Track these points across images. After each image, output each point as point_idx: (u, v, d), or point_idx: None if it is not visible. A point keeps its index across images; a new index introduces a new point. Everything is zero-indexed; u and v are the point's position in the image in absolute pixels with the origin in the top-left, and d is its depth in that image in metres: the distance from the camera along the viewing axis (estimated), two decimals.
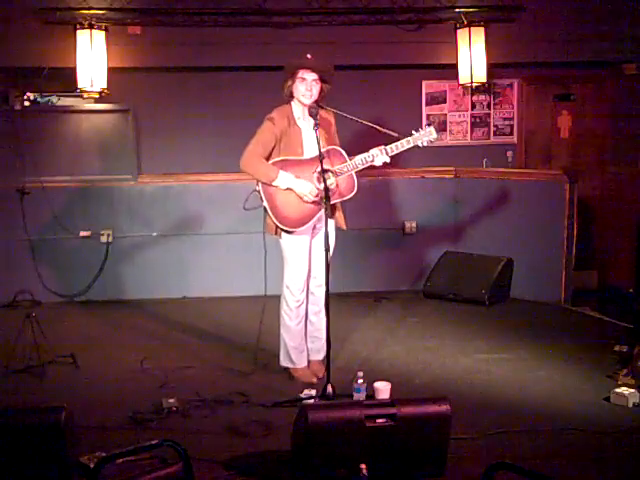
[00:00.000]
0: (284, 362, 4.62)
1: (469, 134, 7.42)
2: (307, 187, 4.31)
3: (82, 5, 6.37)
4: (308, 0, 6.59)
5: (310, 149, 4.35)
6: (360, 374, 4.15)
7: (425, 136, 4.38)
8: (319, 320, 4.56)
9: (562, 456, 3.53)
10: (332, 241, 4.51)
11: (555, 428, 3.82)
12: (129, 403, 4.15)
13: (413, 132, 4.39)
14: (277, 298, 4.57)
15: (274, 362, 4.67)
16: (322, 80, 4.36)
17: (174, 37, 6.62)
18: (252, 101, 6.47)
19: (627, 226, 7.05)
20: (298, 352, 4.59)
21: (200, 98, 6.98)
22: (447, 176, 7.09)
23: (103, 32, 6.41)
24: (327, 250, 4.11)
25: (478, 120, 7.42)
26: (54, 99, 7.25)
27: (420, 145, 4.39)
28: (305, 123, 4.42)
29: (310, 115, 4.27)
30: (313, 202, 4.33)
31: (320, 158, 4.18)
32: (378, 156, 4.38)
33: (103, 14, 6.41)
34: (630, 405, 4.10)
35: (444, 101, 7.35)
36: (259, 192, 4.36)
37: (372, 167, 4.45)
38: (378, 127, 4.46)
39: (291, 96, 4.42)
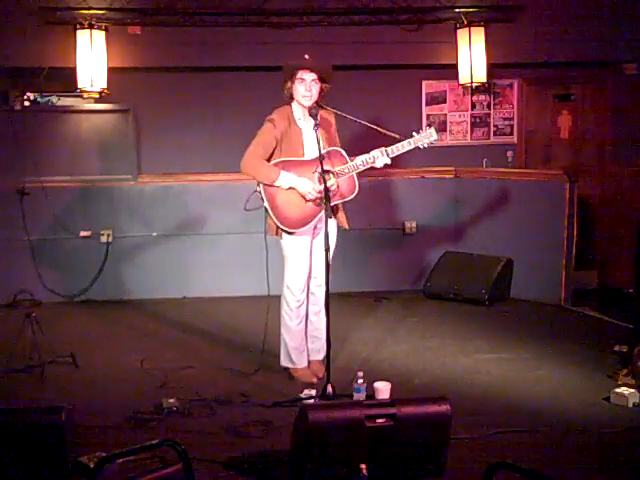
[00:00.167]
0: (284, 362, 4.62)
1: (469, 134, 7.42)
2: (309, 185, 4.31)
3: (82, 5, 6.37)
4: (308, 0, 6.59)
5: (311, 150, 4.35)
6: (360, 374, 4.15)
7: (426, 137, 4.39)
8: (319, 320, 4.56)
9: (562, 456, 3.53)
10: (333, 241, 4.52)
11: (555, 428, 3.82)
12: (129, 403, 4.15)
13: (414, 133, 4.40)
14: (277, 298, 4.57)
15: (274, 362, 4.67)
16: (321, 80, 4.36)
17: (174, 37, 6.62)
18: (252, 101, 6.48)
19: (627, 226, 7.04)
20: (298, 352, 4.59)
21: (200, 98, 6.99)
22: (447, 176, 7.09)
23: (103, 32, 6.41)
24: (327, 250, 4.11)
25: (478, 120, 7.42)
26: (54, 99, 7.26)
27: (421, 147, 4.40)
28: (305, 124, 4.42)
29: (310, 115, 4.27)
30: (314, 202, 4.33)
31: (320, 158, 4.18)
32: (379, 157, 4.38)
33: (103, 14, 6.42)
34: (630, 405, 4.10)
35: (444, 101, 7.35)
36: (260, 192, 4.36)
37: (372, 168, 4.45)
38: (379, 128, 4.46)
39: (291, 98, 4.42)
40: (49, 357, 4.78)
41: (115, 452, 2.54)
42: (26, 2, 6.38)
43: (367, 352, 5.16)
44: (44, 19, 6.40)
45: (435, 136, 4.41)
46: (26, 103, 6.91)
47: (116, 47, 6.54)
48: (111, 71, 6.50)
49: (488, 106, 7.43)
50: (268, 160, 4.38)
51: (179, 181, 6.89)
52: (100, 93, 6.52)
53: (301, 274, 4.48)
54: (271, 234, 4.46)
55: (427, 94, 7.34)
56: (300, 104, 4.39)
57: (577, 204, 6.47)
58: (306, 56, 4.35)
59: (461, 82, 6.94)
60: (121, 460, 3.05)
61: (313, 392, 4.24)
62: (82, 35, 6.35)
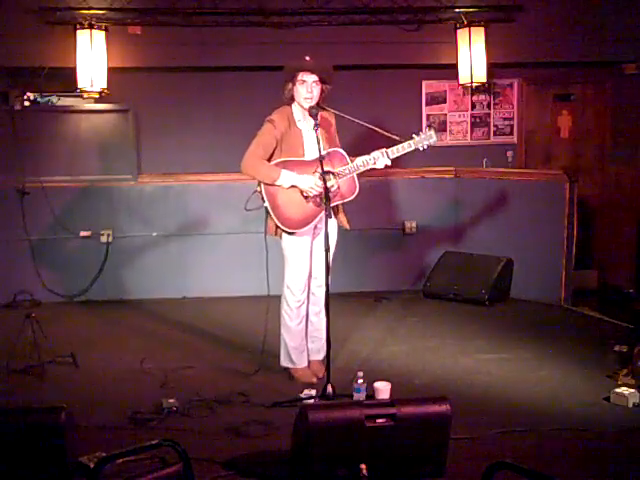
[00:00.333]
0: (284, 362, 4.62)
1: (469, 134, 7.42)
2: (311, 181, 4.30)
3: (82, 5, 6.37)
4: (308, 0, 6.60)
5: (311, 150, 4.35)
6: (360, 374, 4.15)
7: (426, 139, 4.40)
8: (319, 320, 4.56)
9: (562, 456, 3.53)
10: (334, 241, 4.52)
11: (555, 428, 3.82)
12: (129, 403, 4.15)
13: (414, 135, 4.40)
14: (277, 298, 4.57)
15: (274, 362, 4.67)
16: (322, 81, 4.36)
17: (174, 37, 6.62)
18: (252, 101, 6.48)
19: (627, 226, 7.05)
20: (298, 352, 4.59)
21: (200, 98, 6.99)
22: (447, 176, 7.09)
23: (103, 32, 6.41)
24: (327, 250, 4.11)
25: (478, 120, 7.42)
26: (54, 99, 7.24)
27: (421, 149, 4.42)
28: (306, 124, 4.42)
29: (310, 115, 4.27)
30: (315, 202, 4.33)
31: (320, 159, 4.18)
32: (379, 159, 4.38)
33: (103, 14, 6.42)
34: (630, 405, 4.10)
35: (444, 101, 7.35)
36: (261, 193, 4.36)
37: (372, 168, 4.45)
38: (379, 129, 4.46)
39: (291, 99, 4.42)
40: (49, 357, 4.78)
41: (115, 452, 2.54)
42: (26, 2, 6.38)
43: (367, 352, 5.16)
44: (44, 19, 6.40)
45: (435, 138, 4.41)
46: (26, 103, 6.89)
47: (116, 47, 6.54)
48: (111, 71, 6.50)
49: (488, 106, 7.43)
50: (268, 161, 4.38)
51: (179, 181, 6.89)
52: (100, 93, 6.52)
53: (301, 274, 4.49)
54: (270, 234, 4.46)
55: (427, 94, 7.34)
56: (301, 105, 4.39)
57: (577, 204, 6.47)
58: (307, 58, 4.35)
59: (461, 82, 6.94)
60: (121, 460, 3.05)
61: (313, 392, 4.24)
62: (82, 35, 6.35)
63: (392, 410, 3.19)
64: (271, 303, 4.56)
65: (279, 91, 4.46)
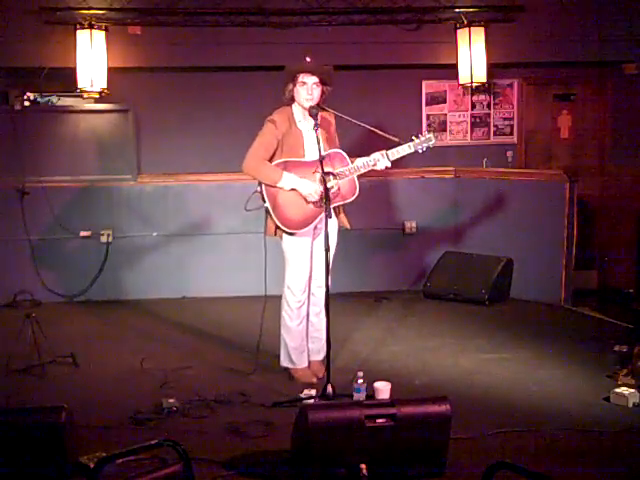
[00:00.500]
0: (284, 362, 4.62)
1: (469, 134, 7.42)
2: (311, 187, 4.31)
3: (82, 5, 6.37)
4: (308, 0, 6.60)
5: (311, 151, 4.35)
6: (360, 374, 4.15)
7: (425, 142, 4.43)
8: (319, 321, 4.56)
9: (562, 456, 3.52)
10: (334, 241, 4.52)
11: (555, 428, 3.82)
12: (129, 403, 4.15)
13: (413, 137, 4.42)
14: (276, 298, 4.57)
15: (274, 362, 4.67)
16: (322, 82, 4.37)
17: (174, 37, 6.62)
18: (252, 101, 6.49)
19: (627, 226, 7.05)
20: (299, 353, 4.59)
21: (200, 98, 6.98)
22: (447, 176, 7.09)
23: (103, 32, 6.41)
24: (327, 250, 4.11)
25: (478, 120, 7.42)
26: (54, 99, 7.25)
27: (420, 151, 4.43)
28: (306, 125, 4.42)
29: (310, 115, 4.27)
30: (315, 203, 4.33)
31: (320, 159, 4.18)
32: (380, 160, 4.40)
33: (103, 14, 6.42)
34: (630, 405, 4.10)
35: (444, 101, 7.35)
36: (262, 193, 4.36)
37: (372, 169, 4.46)
38: (379, 131, 4.47)
39: (292, 100, 4.43)
40: (49, 357, 4.77)
41: (115, 452, 2.54)
42: (26, 2, 6.38)
43: (367, 352, 5.16)
44: (44, 19, 6.40)
45: (434, 140, 4.45)
46: (26, 103, 6.90)
47: (116, 47, 6.54)
48: (111, 71, 6.50)
49: (488, 106, 7.43)
50: (269, 161, 4.38)
51: (179, 181, 6.89)
52: (100, 93, 6.52)
53: (302, 275, 4.49)
54: (270, 235, 4.46)
55: (427, 94, 7.34)
56: (301, 106, 4.39)
57: (577, 204, 6.47)
58: (307, 59, 4.35)
59: (461, 82, 6.94)
60: (121, 460, 3.05)
61: (313, 392, 4.24)
62: (82, 35, 6.35)
63: (392, 410, 3.19)
64: (268, 303, 4.56)
65: (279, 91, 4.46)
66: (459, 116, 7.39)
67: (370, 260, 7.01)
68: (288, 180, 4.31)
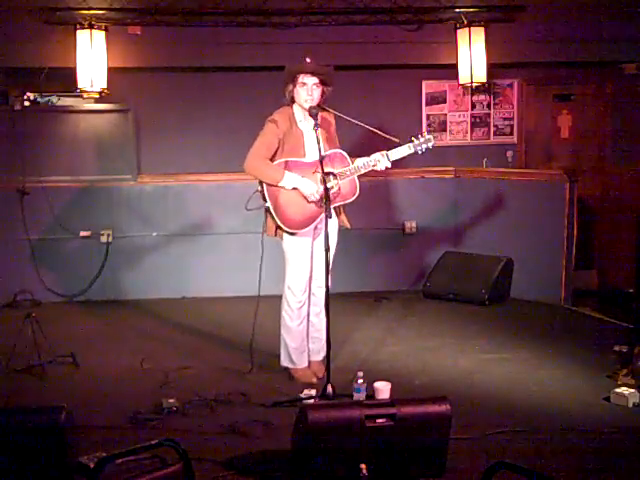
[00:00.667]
0: (284, 362, 4.62)
1: (469, 134, 7.42)
2: (313, 187, 4.31)
3: (82, 5, 6.37)
4: (308, 0, 6.60)
5: (312, 151, 4.35)
6: (360, 374, 4.15)
7: (424, 143, 4.45)
8: (319, 321, 4.55)
9: (562, 456, 3.53)
10: (334, 241, 4.52)
11: (555, 428, 3.82)
12: (129, 403, 4.15)
13: (413, 138, 4.43)
14: (277, 298, 4.57)
15: (274, 362, 4.67)
16: (323, 83, 4.37)
17: (174, 37, 6.62)
18: (252, 101, 6.50)
19: (627, 226, 7.03)
20: (299, 353, 4.59)
21: (200, 98, 6.99)
22: (447, 176, 7.09)
23: (103, 32, 6.41)
24: (327, 250, 4.11)
25: (478, 120, 7.43)
26: (54, 99, 7.25)
27: (419, 152, 4.44)
28: (307, 125, 4.43)
29: (310, 115, 4.27)
30: (316, 203, 4.33)
31: (320, 159, 4.18)
32: (380, 161, 4.41)
33: (103, 14, 6.42)
34: (630, 405, 4.10)
35: (444, 101, 7.35)
36: (262, 192, 4.36)
37: (372, 169, 4.47)
38: (379, 131, 4.47)
39: (292, 100, 4.43)
40: (49, 357, 4.77)
41: (115, 452, 2.54)
42: (26, 2, 6.38)
43: (367, 352, 5.16)
44: (44, 19, 6.39)
45: (433, 142, 4.47)
46: (26, 103, 6.89)
47: (116, 47, 6.54)
48: (111, 71, 6.50)
49: (488, 106, 7.43)
50: (270, 161, 4.38)
51: (179, 181, 6.89)
52: (100, 93, 6.51)
53: (302, 275, 4.49)
54: (270, 235, 4.46)
55: (427, 94, 7.34)
56: (301, 106, 4.39)
57: (577, 204, 6.47)
58: (307, 59, 4.34)
59: (461, 82, 6.93)
60: (121, 460, 3.05)
61: (313, 392, 4.24)
62: (82, 35, 6.35)
63: (392, 410, 3.19)
64: (269, 303, 4.57)
65: (279, 91, 4.46)
66: (459, 116, 7.39)
67: (370, 260, 7.01)
68: (290, 179, 4.31)
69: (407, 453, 3.20)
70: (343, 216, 4.58)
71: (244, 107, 6.70)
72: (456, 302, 6.50)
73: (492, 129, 7.45)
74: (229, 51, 6.70)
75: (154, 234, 6.86)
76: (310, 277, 4.53)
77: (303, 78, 4.33)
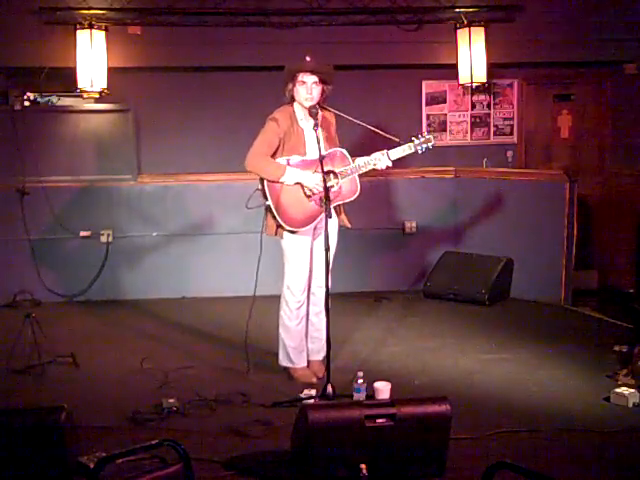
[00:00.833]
0: (283, 362, 4.62)
1: (469, 134, 7.42)
2: (316, 178, 4.29)
3: (82, 5, 6.37)
4: (308, 0, 6.60)
5: (313, 149, 4.35)
6: (360, 374, 4.15)
7: (424, 143, 4.46)
8: (320, 321, 4.55)
9: (562, 456, 3.53)
10: (334, 240, 4.52)
11: (555, 428, 3.82)
12: (129, 403, 4.15)
13: (413, 138, 4.43)
14: (277, 298, 4.57)
15: (274, 362, 4.67)
16: (323, 82, 4.37)
17: (174, 37, 6.62)
18: (252, 101, 6.49)
19: (627, 226, 7.05)
20: (297, 352, 4.59)
21: (200, 98, 6.99)
22: (447, 176, 7.09)
23: (103, 32, 6.41)
24: (327, 250, 4.11)
25: (478, 120, 7.43)
26: (54, 99, 7.25)
27: (419, 152, 4.45)
28: (307, 124, 4.43)
29: (310, 115, 4.27)
30: (316, 202, 4.32)
31: (320, 158, 4.18)
32: (381, 159, 4.41)
33: (103, 14, 6.42)
34: (630, 405, 4.10)
35: (444, 101, 7.35)
36: (263, 190, 4.35)
37: (373, 168, 4.47)
38: (379, 131, 4.47)
39: (292, 99, 4.43)
40: (49, 357, 4.78)
41: (115, 452, 2.54)
42: (26, 2, 6.38)
43: (367, 352, 5.16)
44: (44, 19, 6.39)
45: (433, 141, 4.48)
46: (26, 103, 6.89)
47: (116, 47, 6.54)
48: (111, 71, 6.50)
49: (488, 106, 7.43)
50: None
51: (179, 181, 6.89)
52: (100, 93, 6.52)
53: (302, 275, 4.49)
54: (270, 234, 4.46)
55: (427, 94, 7.34)
56: (301, 105, 4.39)
57: (577, 204, 6.47)
58: (307, 58, 4.35)
59: (461, 82, 6.93)
60: (121, 460, 3.05)
61: (313, 392, 4.24)
62: (82, 35, 6.35)
63: (392, 410, 3.19)
64: (269, 302, 4.57)
65: (279, 91, 4.46)
66: (459, 116, 7.39)
67: (370, 260, 7.01)
68: (291, 174, 4.30)
69: (407, 453, 3.21)
70: (343, 215, 4.58)
71: (244, 107, 6.70)
72: (456, 302, 6.50)
73: (492, 129, 7.45)
74: (229, 51, 6.70)
75: (154, 234, 6.85)
76: (310, 277, 4.53)
77: (303, 76, 4.33)
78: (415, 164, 6.78)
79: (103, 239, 6.74)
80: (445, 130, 7.36)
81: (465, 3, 6.76)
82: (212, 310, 6.39)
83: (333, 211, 4.26)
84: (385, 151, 4.41)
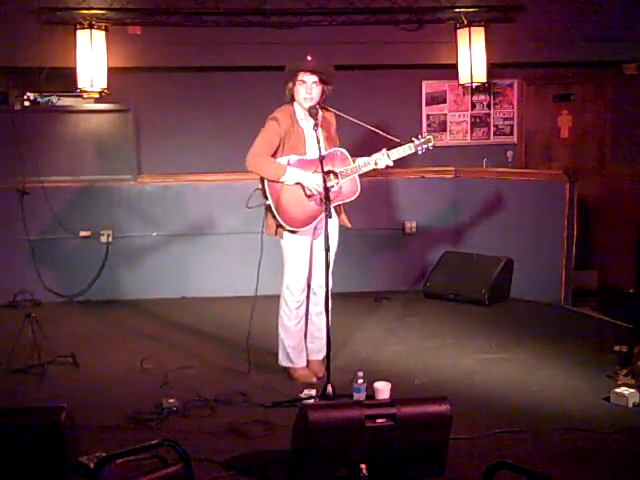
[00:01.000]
0: (283, 362, 4.62)
1: (469, 134, 7.42)
2: (317, 178, 4.29)
3: (82, 5, 6.37)
4: (308, 0, 6.60)
5: (313, 149, 4.35)
6: (360, 374, 4.15)
7: (425, 143, 4.47)
8: (320, 320, 4.55)
9: (562, 456, 3.52)
10: (335, 240, 4.52)
11: (555, 428, 3.82)
12: (129, 403, 4.15)
13: (413, 139, 4.44)
14: (271, 298, 4.57)
15: (274, 362, 4.67)
16: (323, 81, 4.37)
17: (174, 37, 6.62)
18: (252, 101, 6.49)
19: (627, 226, 7.04)
20: (297, 352, 4.59)
21: (200, 98, 6.99)
22: (447, 176, 7.09)
23: (103, 32, 6.41)
24: (327, 250, 4.11)
25: (478, 120, 7.42)
26: (54, 99, 7.25)
27: (419, 152, 4.45)
28: (307, 123, 4.43)
29: (310, 115, 4.27)
30: (316, 201, 4.33)
31: (320, 159, 4.18)
32: (381, 159, 4.41)
33: (103, 14, 6.42)
34: (630, 405, 4.10)
35: (444, 101, 7.35)
36: (263, 190, 4.35)
37: (374, 168, 4.47)
38: (379, 131, 4.47)
39: (292, 98, 4.43)
40: (49, 357, 4.77)
41: (115, 452, 2.54)
42: (26, 2, 6.38)
43: (367, 352, 5.16)
44: (44, 19, 6.40)
45: (433, 142, 4.49)
46: (26, 103, 6.90)
47: (116, 47, 6.54)
48: (111, 71, 6.50)
49: (488, 106, 7.43)
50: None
51: (179, 181, 6.89)
52: (100, 93, 6.52)
53: (301, 275, 4.49)
54: (270, 234, 4.46)
55: (427, 94, 7.34)
56: (301, 105, 4.39)
57: (577, 204, 6.47)
58: (308, 57, 4.34)
59: (461, 82, 6.94)
60: (121, 460, 3.05)
61: (313, 392, 4.24)
62: (82, 35, 6.35)
63: (392, 410, 3.18)
64: (269, 302, 4.56)
65: (279, 91, 4.46)
66: (459, 116, 7.39)
67: (370, 260, 7.01)
68: (292, 174, 4.30)
69: (407, 453, 3.20)
70: (344, 215, 4.58)
71: (244, 107, 6.69)
72: (456, 302, 6.50)
73: (492, 129, 7.45)
74: (229, 51, 6.70)
75: (154, 234, 6.86)
76: (310, 277, 4.53)
77: (303, 76, 4.33)
78: (415, 164, 6.77)
79: (103, 239, 6.75)
80: (445, 130, 7.36)
81: (465, 3, 6.76)
82: (212, 310, 6.39)
83: (333, 211, 4.26)
84: (385, 151, 4.41)
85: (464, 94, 7.33)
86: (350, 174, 4.40)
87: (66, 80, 6.53)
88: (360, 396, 4.08)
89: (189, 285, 6.85)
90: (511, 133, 7.47)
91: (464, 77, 6.86)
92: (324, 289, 4.24)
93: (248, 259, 6.37)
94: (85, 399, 4.22)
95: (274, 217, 4.36)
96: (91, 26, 6.34)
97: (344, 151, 4.46)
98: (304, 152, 4.39)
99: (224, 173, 6.71)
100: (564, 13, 6.94)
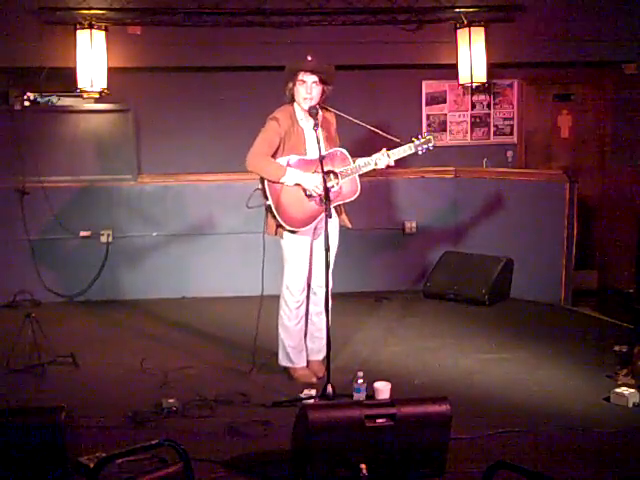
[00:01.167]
0: (283, 362, 4.62)
1: (469, 134, 7.42)
2: (316, 180, 4.30)
3: (82, 5, 6.37)
4: (308, 0, 6.60)
5: (313, 149, 4.35)
6: (360, 374, 4.15)
7: (425, 144, 4.47)
8: (321, 320, 4.55)
9: (562, 456, 3.52)
10: (335, 240, 4.52)
11: (555, 428, 3.82)
12: (129, 403, 4.15)
13: (413, 139, 4.44)
14: (271, 298, 4.56)
15: (274, 362, 4.67)
16: (323, 81, 4.37)
17: (174, 37, 6.62)
18: (252, 101, 6.48)
19: (627, 226, 7.04)
20: (297, 352, 4.59)
21: (200, 98, 6.98)
22: (447, 176, 7.09)
23: (103, 32, 6.41)
24: (327, 250, 4.11)
25: (478, 120, 7.42)
26: (54, 99, 7.24)
27: (419, 153, 4.46)
28: (307, 123, 4.43)
29: (310, 115, 4.27)
30: (316, 201, 4.33)
31: (320, 159, 4.18)
32: (381, 159, 4.41)
33: (103, 14, 6.42)
34: (630, 405, 4.10)
35: (444, 101, 7.35)
36: (263, 190, 4.35)
37: (373, 168, 4.47)
38: (379, 131, 4.47)
39: (292, 98, 4.43)
40: (49, 357, 4.77)
41: (115, 452, 2.54)
42: (26, 2, 6.38)
43: (367, 352, 5.16)
44: (44, 19, 6.40)
45: (433, 142, 4.49)
46: (26, 103, 6.89)
47: (116, 47, 6.53)
48: (111, 71, 6.50)
49: (488, 106, 7.43)
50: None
51: (179, 181, 6.89)
52: (100, 93, 6.52)
53: (301, 274, 4.49)
54: (270, 234, 4.46)
55: (427, 94, 7.34)
56: (300, 105, 4.39)
57: (577, 204, 6.47)
58: (309, 57, 4.34)
59: (461, 82, 6.94)
60: (121, 460, 3.05)
61: (313, 392, 4.24)
62: (82, 35, 6.35)
63: (392, 410, 3.19)
64: (269, 302, 4.56)
65: (279, 91, 4.46)
66: (459, 116, 7.39)
67: (370, 260, 7.01)
68: (292, 175, 4.30)
69: (407, 453, 3.20)
70: (344, 215, 4.58)
71: (244, 107, 6.69)
72: (456, 302, 6.50)
73: (492, 129, 7.44)
74: (229, 51, 6.69)
75: (154, 234, 6.86)
76: (310, 277, 4.54)
77: (302, 76, 4.33)
78: (415, 164, 6.77)
79: (103, 239, 6.75)
80: (445, 130, 7.36)
81: (465, 3, 6.76)
82: (212, 310, 6.39)
83: (333, 211, 4.26)
84: (385, 151, 4.41)
85: (464, 94, 7.33)
86: (350, 174, 4.40)
87: (66, 80, 6.52)
88: (360, 396, 4.08)
89: (189, 285, 6.85)
90: (511, 133, 7.47)
91: (464, 77, 6.86)
92: (324, 289, 4.25)
93: (248, 259, 6.39)
94: (85, 399, 4.23)
95: (274, 217, 4.37)
96: (91, 26, 6.34)
97: (344, 151, 4.46)
98: (304, 152, 4.39)
99: (224, 173, 6.71)
100: (564, 13, 6.94)
